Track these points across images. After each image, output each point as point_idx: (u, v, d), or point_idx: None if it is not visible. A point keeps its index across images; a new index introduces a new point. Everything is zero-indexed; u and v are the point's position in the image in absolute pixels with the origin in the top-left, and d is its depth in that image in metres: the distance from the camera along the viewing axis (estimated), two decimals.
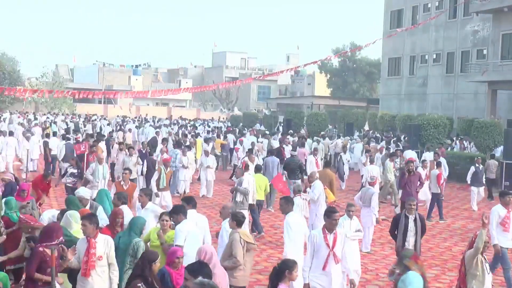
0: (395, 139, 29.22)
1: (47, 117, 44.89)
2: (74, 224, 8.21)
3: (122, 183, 12.51)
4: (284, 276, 6.08)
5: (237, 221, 7.88)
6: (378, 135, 33.36)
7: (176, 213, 8.17)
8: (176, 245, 7.57)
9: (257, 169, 15.26)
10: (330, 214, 7.94)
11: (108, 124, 39.40)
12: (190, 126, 40.58)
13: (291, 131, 33.70)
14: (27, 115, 46.50)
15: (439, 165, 17.91)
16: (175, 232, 7.91)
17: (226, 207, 8.84)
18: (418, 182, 15.24)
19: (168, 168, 15.41)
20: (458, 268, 11.93)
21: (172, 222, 8.24)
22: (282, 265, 6.18)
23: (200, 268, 5.58)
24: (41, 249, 6.89)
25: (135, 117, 52.96)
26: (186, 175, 19.02)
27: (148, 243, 8.22)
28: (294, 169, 17.31)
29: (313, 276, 7.66)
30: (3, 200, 9.51)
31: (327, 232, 7.79)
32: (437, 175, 16.95)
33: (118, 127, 37.14)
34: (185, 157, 19.12)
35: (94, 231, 7.00)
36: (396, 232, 9.96)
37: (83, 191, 9.99)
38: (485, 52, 37.54)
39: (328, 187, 14.33)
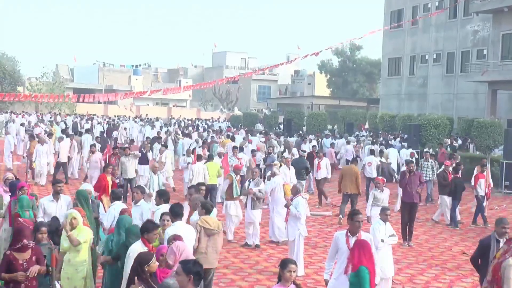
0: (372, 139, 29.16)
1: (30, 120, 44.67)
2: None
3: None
4: (280, 275, 6.17)
5: (206, 209, 8.71)
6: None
7: (175, 216, 8.25)
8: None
9: (209, 157, 17.18)
10: (353, 216, 7.65)
11: (99, 123, 39.49)
12: (190, 126, 40.58)
13: (301, 132, 34.05)
14: (26, 115, 46.55)
15: (483, 166, 16.98)
16: (165, 235, 7.93)
17: (194, 199, 9.40)
18: (419, 182, 15.16)
19: (238, 176, 14.34)
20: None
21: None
22: (279, 265, 6.26)
23: (193, 267, 5.69)
24: (8, 252, 6.95)
25: (136, 117, 52.99)
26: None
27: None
28: (300, 169, 17.35)
29: (334, 279, 7.55)
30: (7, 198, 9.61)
31: (349, 235, 7.58)
32: (473, 176, 16.73)
33: (113, 126, 37.47)
34: (189, 157, 18.65)
35: None
36: (480, 261, 8.08)
37: (86, 186, 10.28)
38: (485, 52, 37.55)
39: (354, 182, 15.63)
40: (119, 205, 10.10)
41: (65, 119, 42.97)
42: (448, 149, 26.38)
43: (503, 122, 30.29)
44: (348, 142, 26.40)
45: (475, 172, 17.23)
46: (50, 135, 23.61)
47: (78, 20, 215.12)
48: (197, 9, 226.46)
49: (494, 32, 35.50)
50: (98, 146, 21.18)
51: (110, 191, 12.24)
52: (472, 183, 16.78)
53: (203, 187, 11.13)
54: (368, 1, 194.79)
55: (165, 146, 20.93)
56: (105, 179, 12.91)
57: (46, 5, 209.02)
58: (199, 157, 16.83)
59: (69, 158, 21.60)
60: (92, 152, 18.81)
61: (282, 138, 29.21)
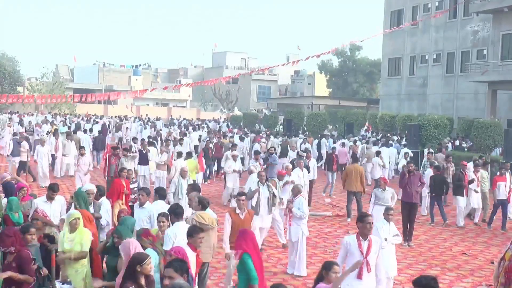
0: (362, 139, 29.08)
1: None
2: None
3: (237, 211, 9.63)
4: (323, 276, 6.40)
5: (202, 205, 9.10)
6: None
7: (176, 215, 8.21)
8: (164, 250, 7.62)
9: (188, 155, 17.95)
10: (363, 218, 7.51)
11: (97, 123, 39.40)
12: (190, 126, 40.51)
13: (307, 133, 34.08)
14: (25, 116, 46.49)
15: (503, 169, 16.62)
16: (164, 236, 7.88)
17: (192, 198, 9.72)
18: (419, 183, 15.06)
19: (281, 182, 13.94)
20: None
21: (170, 223, 8.23)
22: (321, 266, 6.48)
23: (182, 265, 5.71)
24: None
25: (136, 117, 52.86)
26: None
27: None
28: None
29: (347, 284, 7.36)
30: (5, 199, 9.57)
31: (361, 238, 7.46)
32: (492, 179, 16.54)
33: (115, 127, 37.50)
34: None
35: None
36: None
37: (89, 186, 10.37)
38: (485, 52, 37.52)
39: (358, 180, 16.01)
40: (106, 201, 10.19)
41: (64, 119, 42.92)
42: (449, 148, 26.36)
43: (503, 122, 30.25)
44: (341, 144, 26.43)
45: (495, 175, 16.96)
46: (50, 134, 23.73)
47: (78, 20, 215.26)
48: (197, 9, 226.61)
49: (494, 32, 35.47)
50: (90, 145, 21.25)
51: (123, 195, 12.08)
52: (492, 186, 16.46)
53: (243, 197, 9.91)
54: (368, 1, 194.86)
55: (152, 144, 21.08)
56: (120, 184, 12.14)
57: (46, 5, 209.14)
58: (179, 155, 17.44)
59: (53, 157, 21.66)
60: (81, 154, 18.28)
61: (274, 138, 29.06)
